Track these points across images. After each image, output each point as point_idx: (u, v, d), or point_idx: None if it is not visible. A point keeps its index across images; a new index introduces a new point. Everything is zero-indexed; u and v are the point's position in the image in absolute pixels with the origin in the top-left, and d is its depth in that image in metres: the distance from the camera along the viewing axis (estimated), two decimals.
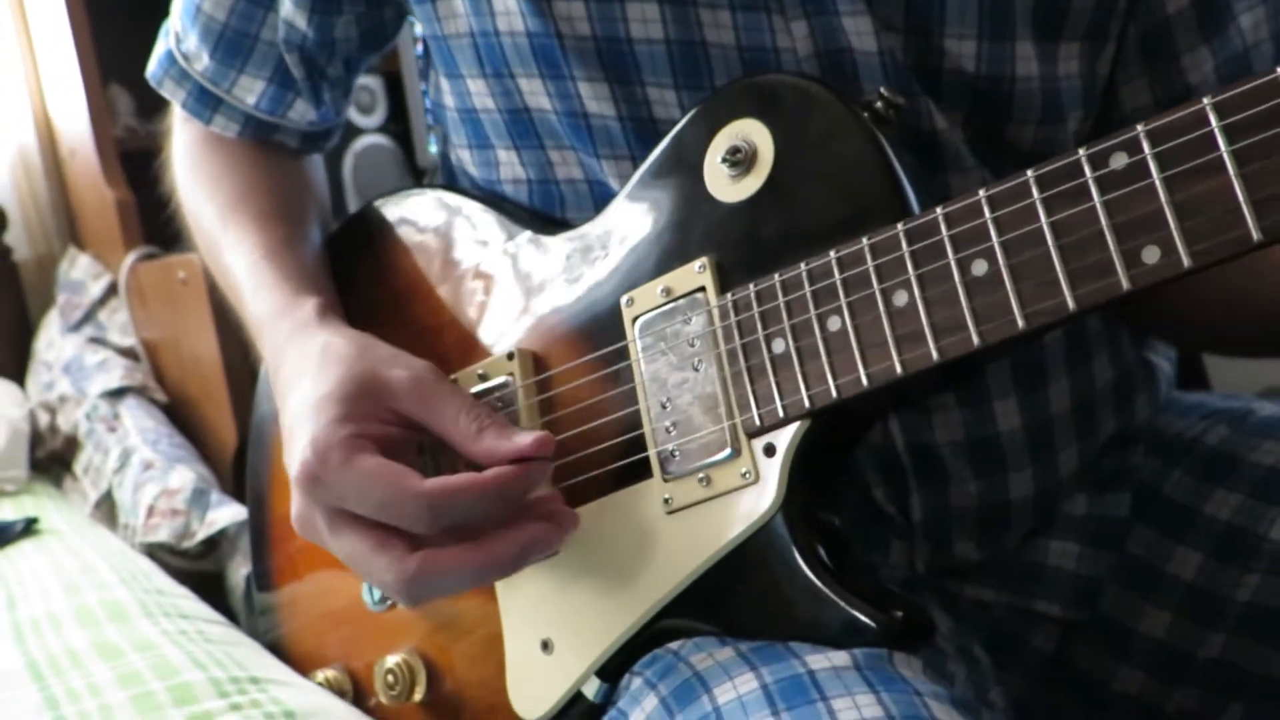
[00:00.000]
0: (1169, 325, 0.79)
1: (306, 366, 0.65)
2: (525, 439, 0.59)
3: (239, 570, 1.34)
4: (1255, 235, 0.44)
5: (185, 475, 1.45)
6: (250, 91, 0.82)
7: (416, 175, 2.11)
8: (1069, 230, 0.49)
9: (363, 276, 0.80)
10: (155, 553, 1.36)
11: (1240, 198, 0.45)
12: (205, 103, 0.84)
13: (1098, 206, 0.48)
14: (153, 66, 0.86)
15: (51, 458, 1.71)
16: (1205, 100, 0.45)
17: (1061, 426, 0.73)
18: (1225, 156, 0.45)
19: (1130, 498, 0.76)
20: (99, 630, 0.85)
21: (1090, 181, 0.48)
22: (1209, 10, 0.69)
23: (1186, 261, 0.46)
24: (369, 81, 2.07)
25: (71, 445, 1.67)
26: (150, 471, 1.47)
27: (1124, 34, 0.70)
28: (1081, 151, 0.48)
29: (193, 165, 0.86)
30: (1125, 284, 0.47)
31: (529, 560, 0.60)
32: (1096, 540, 0.76)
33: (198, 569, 1.37)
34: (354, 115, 2.04)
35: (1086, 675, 0.77)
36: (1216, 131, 0.45)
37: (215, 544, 1.38)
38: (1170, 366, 0.83)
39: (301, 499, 0.61)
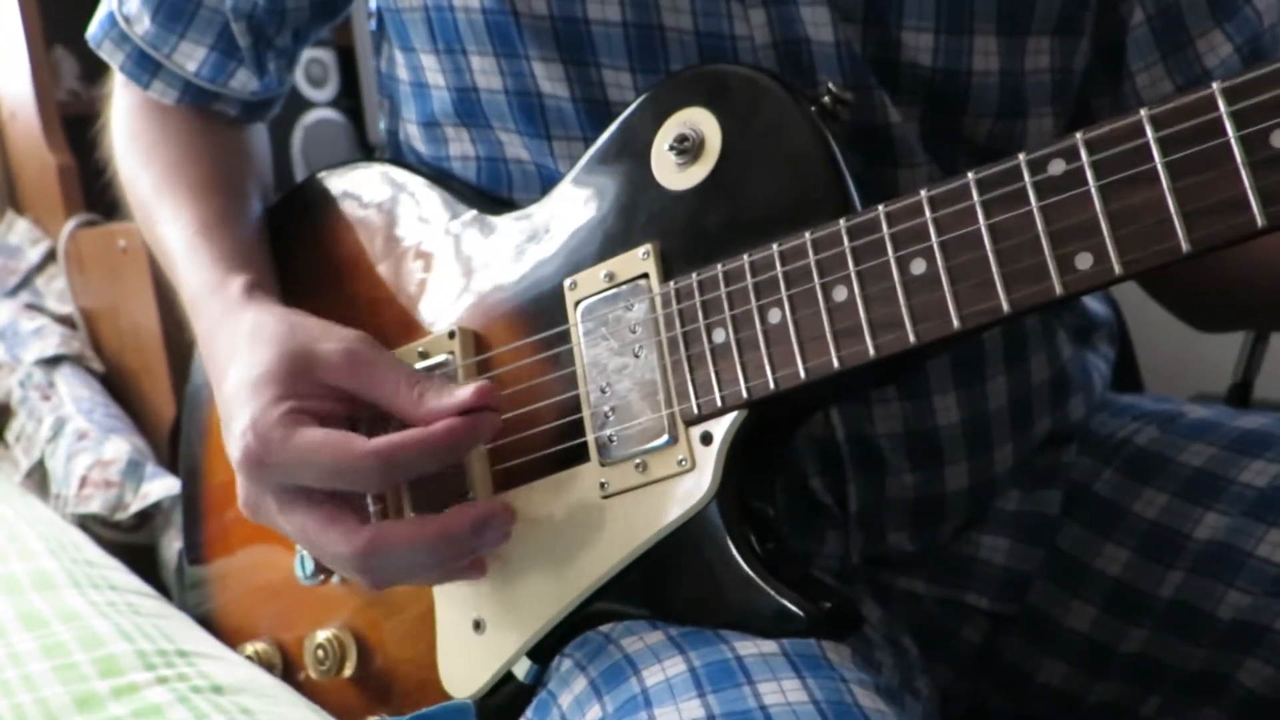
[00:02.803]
0: (1188, 306, 0.81)
1: (237, 347, 0.65)
2: (466, 391, 0.59)
3: (172, 544, 1.32)
4: (1185, 247, 0.46)
5: (120, 446, 1.43)
6: (191, 58, 0.81)
7: (367, 151, 2.09)
8: (1006, 234, 0.49)
9: (304, 249, 0.79)
10: (87, 524, 1.34)
11: (1172, 210, 0.46)
12: (144, 67, 0.82)
13: (1034, 211, 0.49)
14: (93, 28, 0.84)
15: None
16: (1143, 111, 0.46)
17: (998, 423, 0.74)
18: (1159, 168, 0.46)
19: (1061, 495, 0.78)
20: (24, 599, 0.83)
21: (1028, 186, 0.49)
22: None
23: (1118, 270, 0.47)
24: (321, 54, 2.04)
25: (4, 412, 1.63)
26: (84, 441, 1.45)
27: (1128, 21, 0.70)
28: (1021, 156, 0.49)
29: (130, 132, 0.84)
30: (1058, 289, 0.48)
31: (484, 539, 0.60)
32: (1027, 536, 0.77)
33: (130, 541, 1.36)
34: (305, 89, 2.01)
35: (1013, 667, 0.78)
36: (1152, 143, 0.46)
37: (149, 517, 1.37)
38: (1106, 368, 0.85)
39: (247, 483, 0.61)
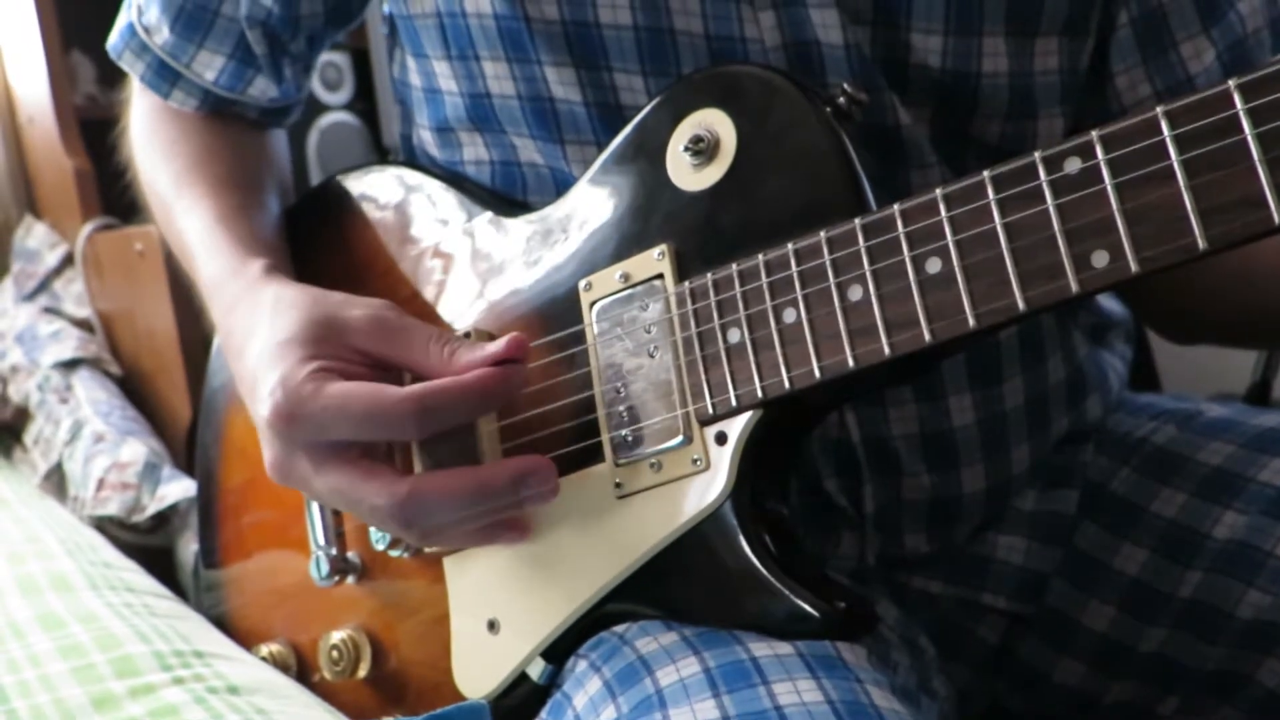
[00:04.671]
0: (1162, 316, 0.80)
1: (259, 319, 0.65)
2: (498, 344, 0.59)
3: (189, 546, 1.33)
4: (1201, 244, 0.45)
5: (137, 449, 1.43)
6: (209, 67, 0.81)
7: (382, 154, 2.09)
8: (1022, 232, 0.49)
9: (321, 250, 0.79)
10: (104, 526, 1.34)
11: (1188, 207, 0.45)
12: (164, 76, 0.83)
13: (1050, 210, 0.48)
14: (114, 39, 0.85)
15: (1, 428, 1.69)
16: (1158, 109, 0.46)
17: (1014, 423, 0.73)
18: (1175, 166, 0.46)
19: (1078, 494, 0.77)
20: (42, 601, 0.84)
21: (1044, 184, 0.49)
22: None
23: (1134, 267, 0.47)
24: (336, 58, 2.05)
25: (22, 416, 1.64)
26: (101, 444, 1.45)
27: (1114, 22, 0.70)
28: (1037, 154, 0.49)
29: (149, 133, 0.85)
30: (1074, 287, 0.48)
31: (524, 494, 0.59)
32: (1044, 535, 0.77)
33: (147, 543, 1.36)
34: (320, 92, 2.01)
35: (1029, 667, 0.78)
36: (1168, 141, 0.46)
37: (165, 519, 1.37)
38: (1123, 367, 0.84)
39: (277, 444, 0.60)
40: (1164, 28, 0.70)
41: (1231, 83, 0.44)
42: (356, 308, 0.62)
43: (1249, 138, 0.44)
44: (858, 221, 0.54)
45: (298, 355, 0.60)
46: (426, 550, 0.68)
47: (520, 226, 0.69)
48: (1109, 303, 0.83)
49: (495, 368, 0.59)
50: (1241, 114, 0.44)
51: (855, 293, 0.54)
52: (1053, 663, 0.77)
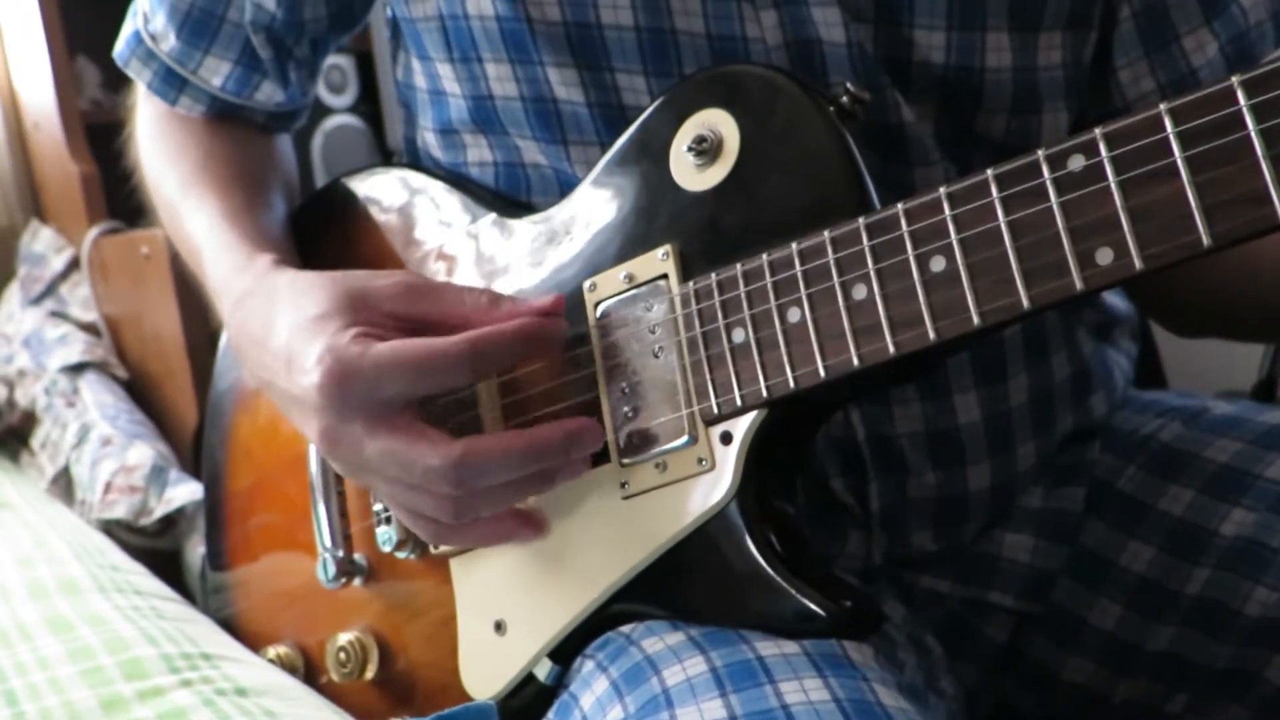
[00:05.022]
0: (1166, 309, 0.80)
1: (279, 305, 0.64)
2: (543, 298, 0.61)
3: (196, 549, 1.33)
4: (1206, 241, 0.45)
5: (144, 452, 1.43)
6: (216, 73, 0.81)
7: (387, 156, 2.09)
8: (1026, 230, 0.49)
9: (326, 253, 0.79)
10: (112, 529, 1.35)
11: (1193, 204, 0.45)
12: (171, 83, 0.83)
13: (1054, 207, 0.48)
14: (120, 46, 0.85)
15: (9, 432, 1.69)
16: (1161, 106, 0.46)
17: (1019, 421, 0.73)
18: (1179, 163, 0.46)
19: (1085, 492, 0.77)
20: (51, 604, 0.84)
21: (1048, 182, 0.49)
22: None
23: (1139, 264, 0.47)
24: (340, 61, 2.05)
25: (29, 420, 1.65)
26: (108, 448, 1.46)
27: (1117, 15, 0.70)
28: (1040, 152, 0.49)
29: (156, 137, 0.85)
30: (1079, 285, 0.48)
31: (575, 453, 0.59)
32: (1051, 533, 0.77)
33: (155, 546, 1.36)
34: (324, 95, 2.02)
35: (1037, 665, 0.78)
36: (1172, 138, 0.46)
37: (173, 522, 1.37)
38: (1129, 364, 0.84)
39: (328, 410, 0.59)
40: (1166, 21, 0.69)
41: (1234, 79, 0.44)
42: (382, 277, 0.62)
43: (1252, 134, 0.44)
44: (861, 221, 0.54)
45: (336, 324, 0.60)
46: (434, 551, 0.69)
47: (524, 228, 0.69)
48: (1114, 299, 0.83)
49: (536, 317, 0.60)
50: (1245, 110, 0.44)
51: (859, 292, 0.54)
52: (1061, 661, 0.77)
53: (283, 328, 0.62)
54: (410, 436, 0.58)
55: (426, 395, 0.59)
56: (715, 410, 0.58)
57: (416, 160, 0.84)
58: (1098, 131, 0.48)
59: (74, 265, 1.79)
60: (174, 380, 1.61)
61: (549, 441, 0.59)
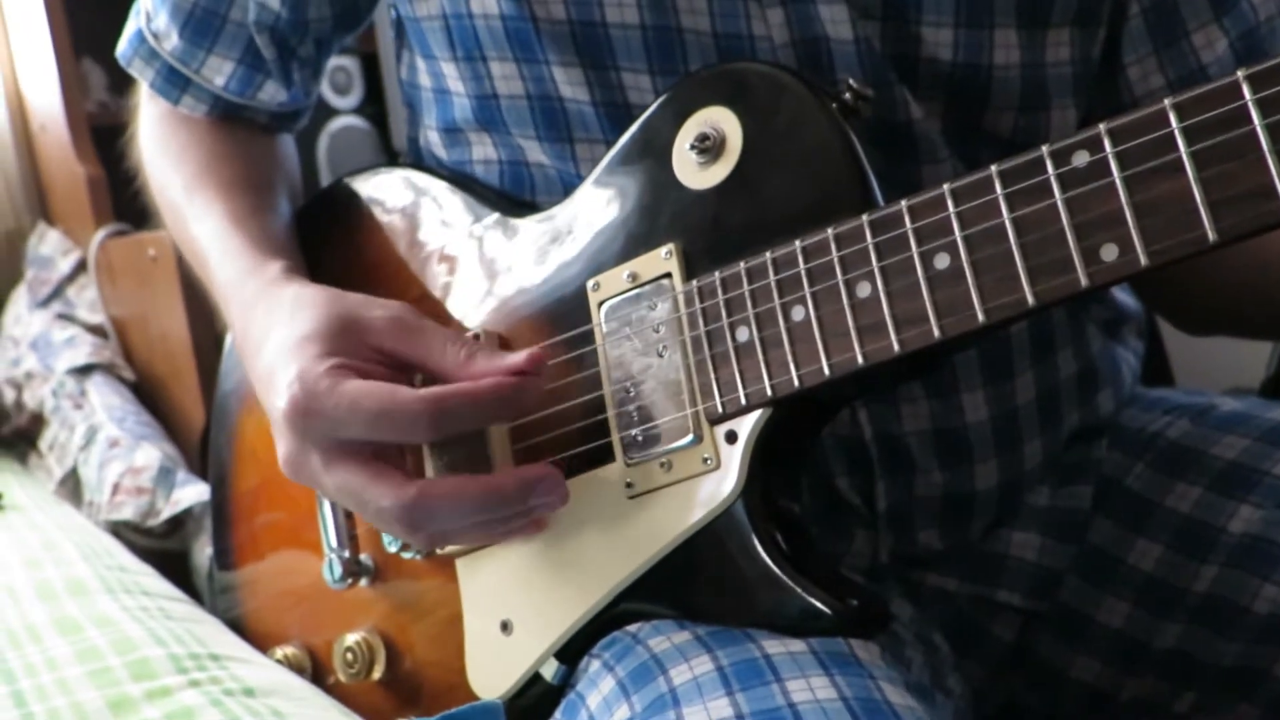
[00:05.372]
0: (1173, 306, 0.80)
1: (277, 317, 0.65)
2: (518, 356, 0.59)
3: (204, 550, 1.33)
4: (1212, 236, 0.45)
5: (151, 453, 1.44)
6: (219, 72, 0.81)
7: (392, 157, 2.10)
8: (1030, 227, 0.49)
9: (330, 253, 0.79)
10: (120, 530, 1.35)
11: (1198, 199, 0.45)
12: (174, 83, 0.83)
13: (1059, 204, 0.48)
14: (123, 46, 0.85)
15: (17, 434, 1.70)
16: (1166, 101, 0.46)
17: (1026, 418, 0.73)
18: (1185, 158, 0.45)
19: (1092, 490, 0.77)
20: (59, 605, 0.84)
21: (1052, 179, 0.49)
22: None
23: (1144, 260, 0.47)
24: (345, 62, 2.06)
25: (37, 422, 1.65)
26: (116, 449, 1.46)
27: (1126, 12, 0.69)
28: (1044, 148, 0.49)
29: (160, 138, 0.85)
30: (1084, 281, 0.48)
31: (533, 502, 0.59)
32: (1058, 532, 0.77)
33: (162, 547, 1.37)
34: (330, 96, 2.02)
35: (1045, 664, 0.78)
36: (1177, 133, 0.46)
37: (180, 523, 1.38)
38: (1136, 361, 0.84)
39: (291, 437, 0.60)
40: (1175, 17, 0.69)
41: (1240, 74, 0.44)
42: (376, 308, 0.63)
43: (1258, 129, 0.44)
44: (865, 218, 0.54)
45: (315, 351, 0.60)
46: (438, 552, 0.69)
47: (528, 227, 0.69)
48: (1122, 296, 0.83)
49: (509, 377, 0.59)
50: (1250, 105, 0.44)
51: (864, 289, 0.54)
52: (1068, 660, 0.77)
53: (271, 344, 0.63)
54: (365, 476, 0.58)
55: (383, 443, 0.59)
56: (720, 409, 0.58)
57: (419, 159, 0.84)
58: (1102, 127, 0.47)
59: (81, 267, 1.79)
60: (181, 381, 1.62)
61: (505, 489, 0.58)
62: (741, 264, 0.57)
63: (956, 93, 0.67)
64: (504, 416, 0.61)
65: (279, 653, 0.79)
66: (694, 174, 0.61)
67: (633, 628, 0.61)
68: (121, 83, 0.91)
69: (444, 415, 0.57)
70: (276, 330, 0.64)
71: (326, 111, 2.02)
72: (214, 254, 0.76)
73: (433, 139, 0.80)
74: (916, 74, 0.66)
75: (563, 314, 0.65)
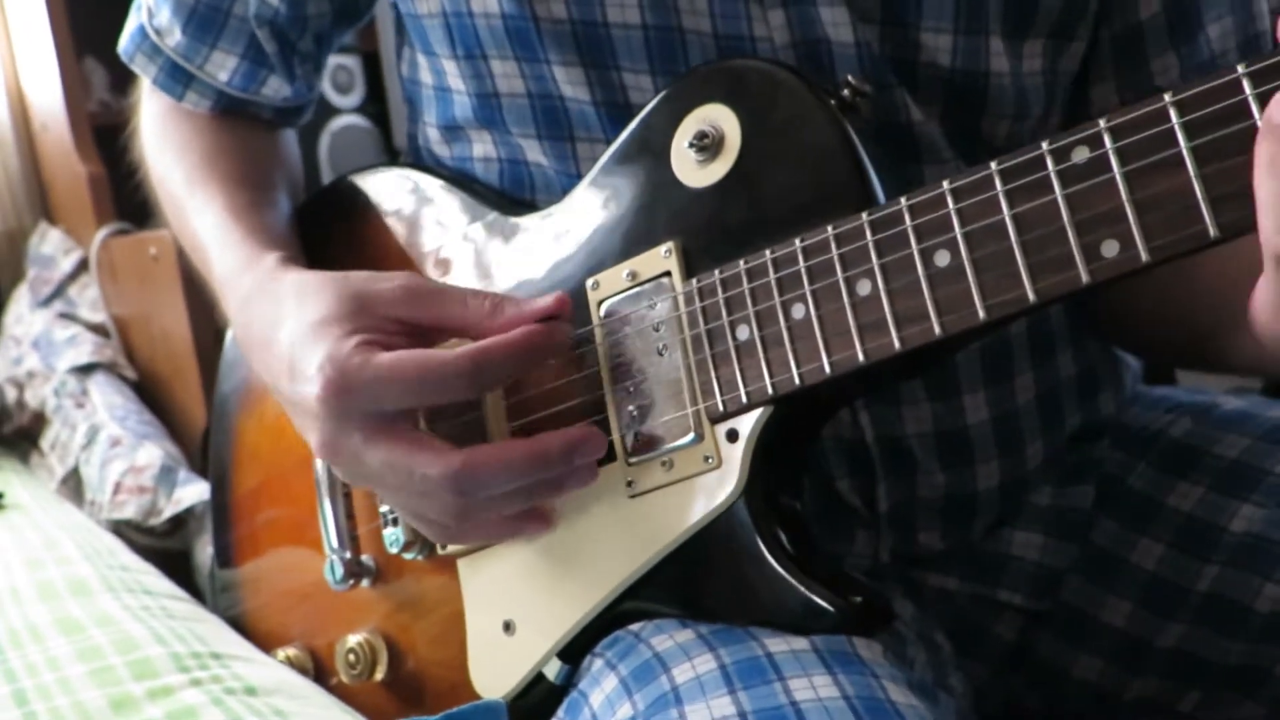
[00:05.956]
0: (1111, 326, 0.80)
1: (283, 307, 0.64)
2: (544, 300, 0.60)
3: (205, 549, 1.33)
4: (1213, 232, 0.45)
5: (153, 452, 1.44)
6: (222, 68, 0.81)
7: (393, 156, 2.10)
8: (1030, 223, 0.49)
9: (330, 250, 0.79)
10: (121, 529, 1.35)
11: (1199, 194, 0.45)
12: (177, 79, 0.83)
13: (1059, 200, 0.48)
14: (124, 42, 0.85)
15: (18, 433, 1.70)
16: (1166, 97, 0.46)
17: (1028, 419, 0.73)
18: (1185, 153, 0.45)
19: (1094, 489, 0.77)
20: (60, 605, 0.84)
21: (1052, 175, 0.48)
22: (1181, 18, 0.69)
23: (1145, 256, 0.46)
24: (347, 61, 2.06)
25: (39, 421, 1.65)
26: (118, 448, 1.46)
27: (1098, 35, 0.70)
28: (1044, 145, 0.49)
29: (161, 133, 0.85)
30: (1085, 277, 0.48)
31: (575, 464, 0.58)
32: (1060, 531, 0.77)
33: (164, 546, 1.37)
34: (331, 95, 2.02)
35: (1047, 663, 0.78)
36: (1177, 128, 0.45)
37: (182, 522, 1.38)
38: (1137, 361, 0.84)
39: (328, 420, 0.59)
40: (1140, 44, 0.70)
41: (1240, 69, 0.44)
42: (383, 280, 0.62)
43: (1259, 124, 0.44)
44: (865, 216, 0.54)
45: (338, 331, 0.59)
46: (442, 552, 0.68)
47: (527, 226, 0.68)
48: None
49: (540, 324, 0.59)
50: (1251, 99, 0.44)
51: (864, 287, 0.54)
52: (1071, 659, 0.77)
53: (286, 332, 0.62)
54: (410, 447, 0.58)
55: (427, 407, 0.59)
56: (721, 408, 0.58)
57: (418, 156, 0.84)
58: (1102, 123, 0.47)
59: (82, 266, 1.79)
60: (182, 380, 1.62)
61: (550, 450, 0.58)
62: (741, 262, 0.57)
63: (955, 97, 0.67)
64: (539, 362, 0.61)
65: (281, 654, 0.79)
66: (693, 172, 0.61)
67: (635, 626, 0.61)
68: (123, 81, 0.91)
69: (484, 369, 0.57)
70: (286, 319, 0.63)
71: (328, 110, 2.02)
72: (213, 247, 0.75)
73: (432, 136, 0.80)
74: (916, 78, 0.66)
75: None
